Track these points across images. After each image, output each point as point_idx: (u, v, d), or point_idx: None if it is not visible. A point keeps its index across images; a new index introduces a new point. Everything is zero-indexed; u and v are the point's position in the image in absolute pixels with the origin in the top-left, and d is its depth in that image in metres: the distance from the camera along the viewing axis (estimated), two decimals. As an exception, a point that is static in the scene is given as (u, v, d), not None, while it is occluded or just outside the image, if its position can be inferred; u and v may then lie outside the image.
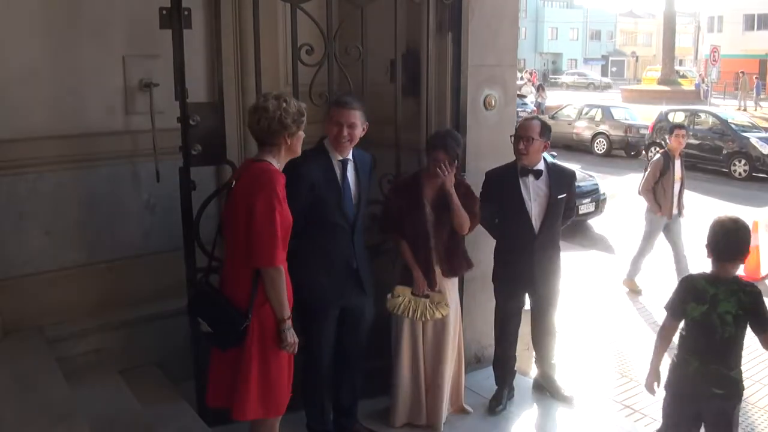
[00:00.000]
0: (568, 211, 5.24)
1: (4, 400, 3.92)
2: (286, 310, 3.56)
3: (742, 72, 40.17)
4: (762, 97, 40.34)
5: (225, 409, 3.73)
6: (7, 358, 4.48)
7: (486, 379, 5.50)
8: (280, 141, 3.59)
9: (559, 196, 5.03)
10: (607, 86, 57.00)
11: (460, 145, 4.70)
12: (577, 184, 12.96)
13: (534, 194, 4.99)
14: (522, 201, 4.98)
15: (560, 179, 5.10)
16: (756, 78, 40.94)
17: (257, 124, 3.58)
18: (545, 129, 4.98)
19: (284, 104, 3.55)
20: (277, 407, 3.70)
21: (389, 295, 4.63)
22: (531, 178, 4.98)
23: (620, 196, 15.38)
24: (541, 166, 5.01)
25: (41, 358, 4.52)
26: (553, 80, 62.75)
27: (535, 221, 4.99)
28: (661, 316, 5.97)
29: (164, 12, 4.19)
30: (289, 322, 3.57)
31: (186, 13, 4.21)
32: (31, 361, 4.47)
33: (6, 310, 4.75)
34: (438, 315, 4.61)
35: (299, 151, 3.72)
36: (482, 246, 5.13)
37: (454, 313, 4.78)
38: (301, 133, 3.66)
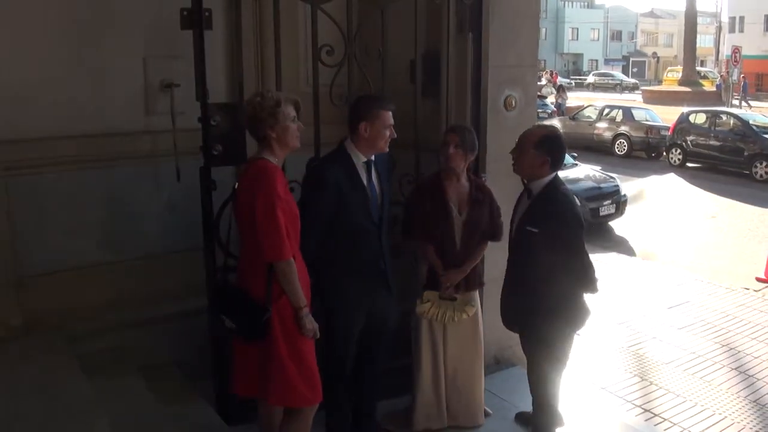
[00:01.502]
0: (559, 259, 4.10)
1: (25, 397, 3.96)
2: (302, 299, 3.62)
3: (727, 71, 39.92)
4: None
5: (249, 400, 3.85)
6: (28, 356, 4.52)
7: (505, 381, 5.48)
8: (264, 135, 3.63)
9: (527, 227, 4.22)
10: (635, 87, 56.09)
11: (473, 135, 4.61)
12: (598, 185, 13.22)
13: (518, 215, 4.40)
14: (513, 218, 4.49)
15: (540, 209, 4.21)
16: (743, 78, 40.71)
17: (244, 123, 3.74)
18: (546, 142, 4.20)
19: (258, 99, 3.63)
20: (315, 394, 3.78)
21: (418, 301, 4.61)
22: (525, 195, 4.37)
23: (641, 198, 15.31)
24: (538, 185, 4.25)
25: (61, 356, 4.56)
26: (578, 81, 61.72)
27: (511, 245, 4.47)
28: (680, 317, 5.97)
29: (185, 13, 4.21)
30: (306, 310, 3.63)
31: (207, 14, 4.23)
32: (51, 358, 4.51)
33: (27, 308, 4.79)
34: (465, 316, 4.60)
35: (293, 143, 3.70)
36: (505, 246, 5.07)
37: (477, 314, 4.76)
38: (289, 125, 3.64)
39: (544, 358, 4.37)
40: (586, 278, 4.22)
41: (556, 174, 4.29)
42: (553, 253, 4.10)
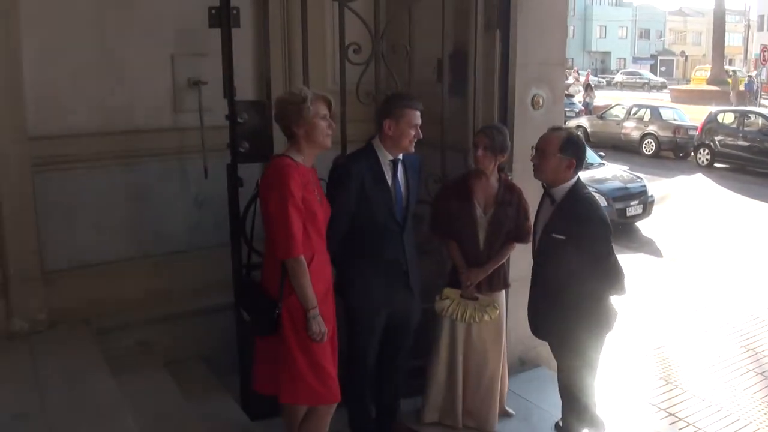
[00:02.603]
0: (588, 264, 4.04)
1: (50, 391, 4.00)
2: (310, 300, 3.59)
3: (734, 70, 39.46)
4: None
5: (272, 396, 3.81)
6: (53, 349, 4.56)
7: (529, 382, 5.45)
8: (292, 132, 3.64)
9: (553, 234, 4.15)
10: (663, 86, 55.27)
11: (504, 135, 4.53)
12: (625, 185, 13.13)
13: (541, 222, 4.32)
14: (536, 224, 4.43)
15: (566, 215, 4.12)
16: (748, 77, 40.32)
17: (274, 120, 3.76)
18: (569, 145, 4.10)
19: (287, 95, 3.67)
20: (331, 393, 3.75)
21: (437, 297, 4.60)
22: (548, 201, 4.28)
23: (669, 199, 15.17)
24: (561, 191, 4.17)
25: (87, 350, 4.59)
26: (606, 79, 60.75)
27: (536, 253, 4.42)
28: (707, 320, 5.87)
29: (213, 11, 4.23)
30: (314, 311, 3.59)
31: (235, 12, 4.25)
32: (77, 353, 4.54)
33: (54, 302, 4.83)
34: (486, 318, 4.57)
35: (323, 142, 3.68)
36: (528, 247, 5.05)
37: (500, 315, 4.72)
38: (318, 123, 3.62)
39: (577, 363, 4.32)
40: (616, 281, 4.15)
41: (578, 177, 4.22)
42: (581, 258, 4.03)
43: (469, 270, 4.54)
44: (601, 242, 4.10)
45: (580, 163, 4.15)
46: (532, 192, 4.78)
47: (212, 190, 5.15)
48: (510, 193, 4.57)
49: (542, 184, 4.33)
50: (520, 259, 4.94)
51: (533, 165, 4.25)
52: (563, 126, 4.54)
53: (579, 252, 4.03)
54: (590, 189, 4.49)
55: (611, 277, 4.14)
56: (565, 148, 4.09)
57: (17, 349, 4.55)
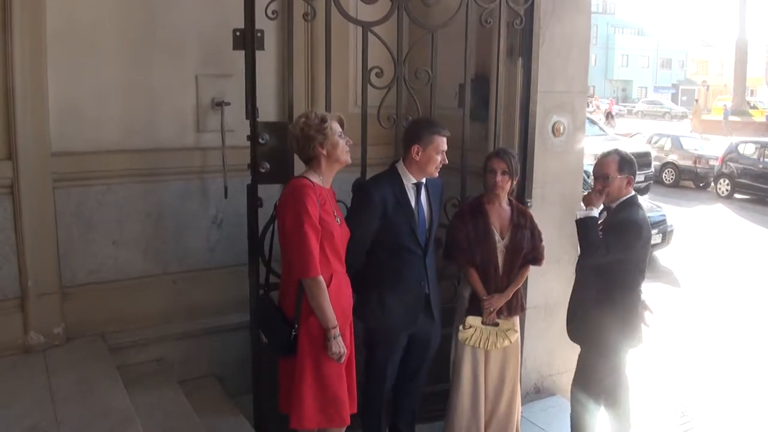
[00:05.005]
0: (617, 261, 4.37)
1: (64, 404, 4.01)
2: (330, 319, 3.58)
3: (696, 100, 39.40)
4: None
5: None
6: (69, 363, 4.58)
7: (544, 410, 5.41)
8: (314, 153, 3.67)
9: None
10: (684, 116, 54.91)
11: (517, 159, 4.54)
12: (649, 214, 12.93)
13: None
14: None
15: (609, 226, 4.45)
16: (725, 106, 40.24)
17: (292, 147, 3.77)
18: (624, 163, 4.43)
19: (304, 119, 3.68)
20: (339, 417, 3.73)
21: (460, 327, 4.56)
22: (604, 215, 4.55)
23: (688, 228, 15.06)
24: (617, 202, 4.47)
25: (102, 365, 4.61)
26: (628, 108, 60.33)
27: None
28: (726, 352, 5.75)
29: (238, 33, 4.27)
30: (334, 331, 3.59)
31: (259, 34, 4.28)
32: (92, 367, 4.56)
33: (70, 316, 4.87)
34: (507, 342, 4.54)
35: (344, 158, 3.72)
36: (548, 273, 5.03)
37: (517, 339, 4.70)
38: (338, 140, 3.67)
39: (610, 369, 4.57)
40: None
41: (635, 193, 4.52)
42: (613, 256, 4.30)
43: (491, 296, 4.52)
44: (634, 250, 4.38)
45: (635, 177, 4.50)
46: (550, 217, 4.80)
47: (232, 209, 5.19)
48: (523, 217, 4.56)
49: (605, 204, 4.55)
50: (536, 287, 4.91)
51: (598, 192, 4.46)
52: (613, 148, 4.62)
53: (610, 247, 4.30)
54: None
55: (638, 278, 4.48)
56: (622, 168, 4.42)
57: (33, 362, 4.58)
